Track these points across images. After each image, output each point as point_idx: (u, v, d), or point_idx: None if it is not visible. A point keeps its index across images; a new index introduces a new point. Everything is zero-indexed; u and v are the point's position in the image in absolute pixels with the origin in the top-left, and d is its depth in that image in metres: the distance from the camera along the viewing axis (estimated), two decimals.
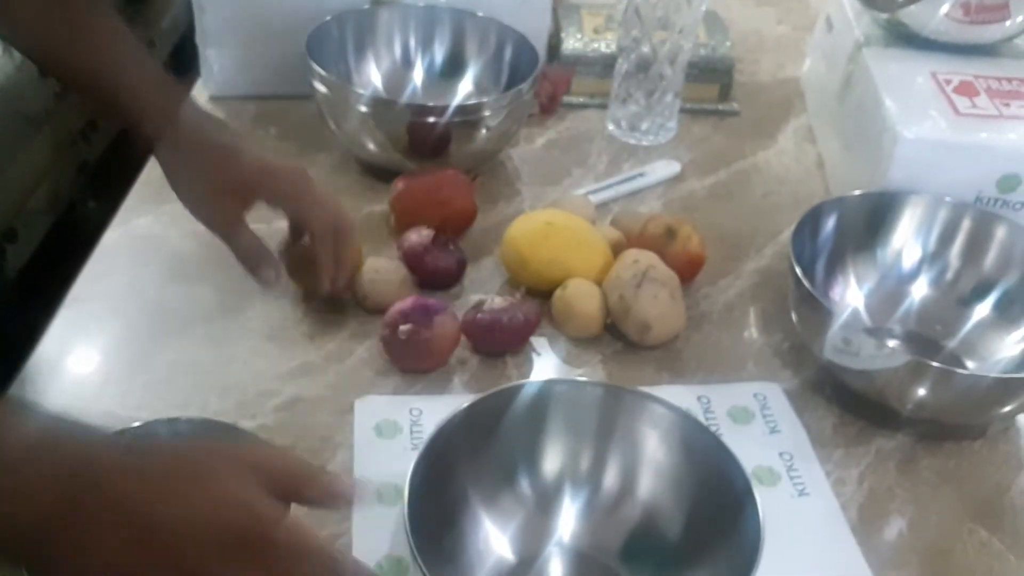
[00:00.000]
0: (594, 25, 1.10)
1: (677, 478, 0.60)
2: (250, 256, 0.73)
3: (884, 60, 0.91)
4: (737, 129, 1.06)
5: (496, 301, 0.75)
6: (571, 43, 1.07)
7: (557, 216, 0.82)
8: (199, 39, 0.99)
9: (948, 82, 0.87)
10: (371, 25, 0.99)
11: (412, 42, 1.00)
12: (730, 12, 1.19)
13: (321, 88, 0.89)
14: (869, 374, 0.69)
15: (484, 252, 0.85)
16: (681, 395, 0.73)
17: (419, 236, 0.80)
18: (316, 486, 0.49)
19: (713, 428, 0.70)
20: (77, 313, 0.76)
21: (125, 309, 0.77)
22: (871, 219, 0.81)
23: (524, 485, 0.61)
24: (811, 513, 0.66)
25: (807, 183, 0.98)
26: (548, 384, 0.63)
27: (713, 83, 1.07)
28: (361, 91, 0.91)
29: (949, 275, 0.80)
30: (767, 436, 0.71)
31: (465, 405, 0.58)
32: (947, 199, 0.80)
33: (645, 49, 0.96)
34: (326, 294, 0.75)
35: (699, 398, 0.74)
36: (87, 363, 0.73)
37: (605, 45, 1.07)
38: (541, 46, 1.00)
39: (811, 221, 0.78)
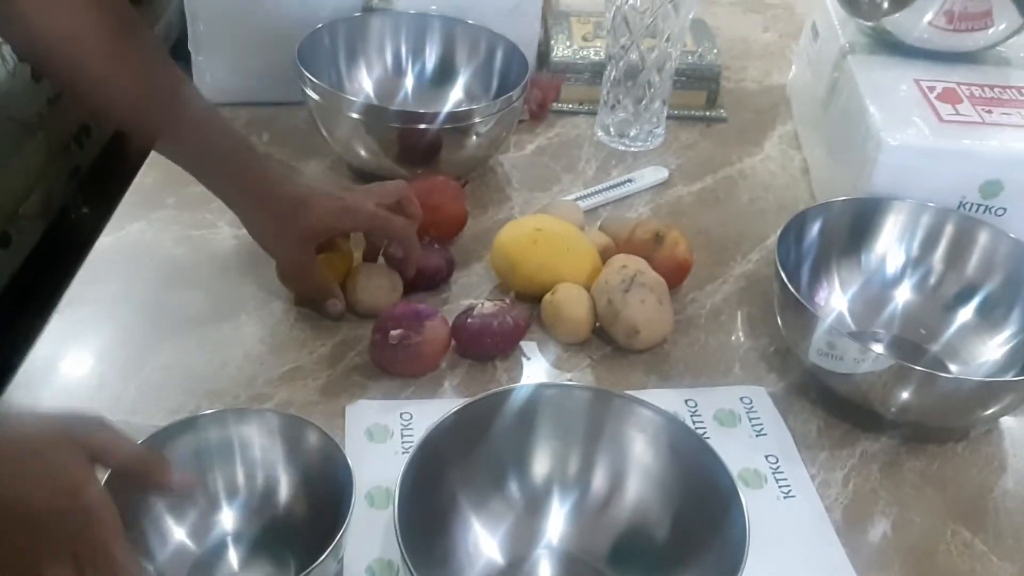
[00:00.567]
0: (583, 33, 1.11)
1: (664, 481, 0.61)
2: (323, 290, 0.77)
3: (868, 67, 0.92)
4: (724, 136, 1.07)
5: (486, 306, 0.76)
6: (560, 51, 1.08)
7: (546, 222, 0.83)
8: (192, 46, 0.99)
9: (932, 89, 0.88)
10: (363, 32, 1.00)
11: (403, 49, 1.01)
12: (717, 20, 1.20)
13: (313, 95, 0.89)
14: (853, 378, 0.70)
15: (474, 257, 0.86)
16: (668, 398, 0.74)
17: None
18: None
19: (700, 431, 0.71)
20: (70, 318, 0.77)
21: (118, 314, 0.78)
22: (855, 224, 0.82)
23: (513, 488, 0.62)
24: (796, 515, 0.67)
25: (793, 189, 0.99)
26: (537, 388, 0.63)
27: (700, 90, 1.09)
28: (352, 98, 0.92)
29: (932, 280, 0.81)
30: (753, 439, 0.72)
31: (455, 409, 0.59)
32: (930, 205, 0.81)
33: (633, 56, 0.97)
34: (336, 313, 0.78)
35: (686, 401, 0.75)
36: (81, 367, 0.74)
37: (594, 52, 1.08)
38: (531, 54, 1.01)
39: (796, 226, 0.79)
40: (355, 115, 0.89)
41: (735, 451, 0.65)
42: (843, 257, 0.82)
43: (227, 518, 0.60)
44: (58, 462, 0.48)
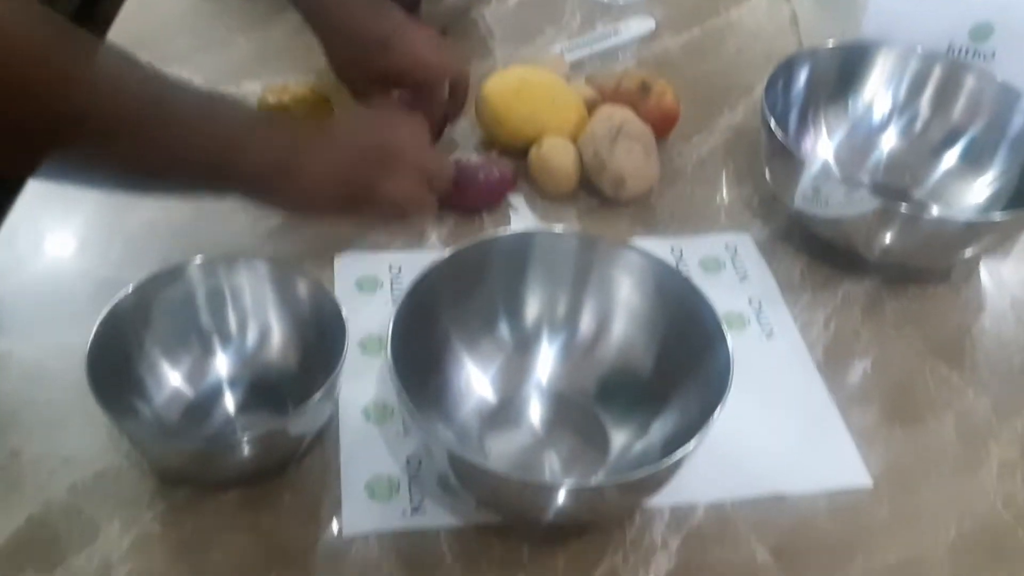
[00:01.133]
0: None
1: (651, 321, 0.62)
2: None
3: None
4: None
5: (472, 158, 0.76)
6: None
7: (531, 73, 0.81)
8: None
9: None
10: None
11: None
12: None
13: None
14: (838, 221, 0.71)
15: None
16: (654, 247, 0.72)
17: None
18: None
19: None
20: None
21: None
22: (843, 71, 0.81)
23: (504, 331, 0.63)
24: (779, 354, 0.68)
25: (780, 39, 0.98)
26: (527, 234, 0.64)
27: None
28: None
29: (919, 125, 0.81)
30: (737, 284, 0.73)
31: (447, 255, 0.59)
32: (918, 49, 0.80)
33: None
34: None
35: (672, 249, 0.75)
36: (64, 227, 0.73)
37: None
38: None
39: (784, 73, 0.78)
40: None
41: (719, 296, 0.64)
42: (830, 104, 0.82)
43: (221, 364, 0.61)
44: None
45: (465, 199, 0.76)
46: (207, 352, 0.61)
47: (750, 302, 0.72)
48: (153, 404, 0.58)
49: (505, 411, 0.62)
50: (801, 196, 0.71)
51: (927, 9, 0.81)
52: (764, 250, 0.75)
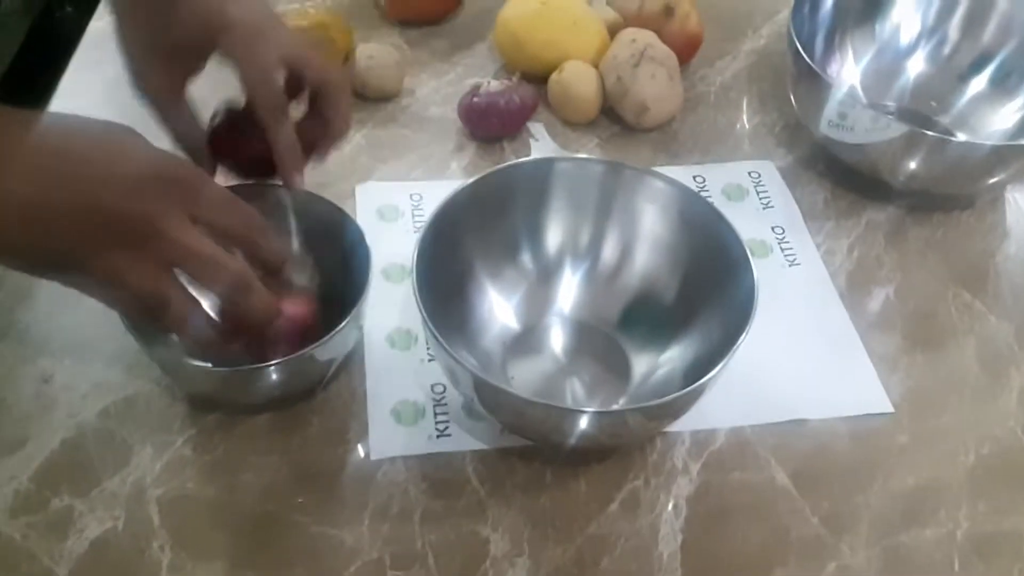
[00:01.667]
0: None
1: (674, 249, 0.62)
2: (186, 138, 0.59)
3: None
4: None
5: (492, 84, 0.75)
6: None
7: None
8: None
9: None
10: None
11: None
12: None
13: None
14: (863, 147, 0.70)
15: (477, 38, 0.84)
16: (677, 175, 0.71)
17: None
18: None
19: None
20: (67, 107, 0.75)
21: (117, 98, 0.76)
22: None
23: (526, 259, 0.63)
24: (801, 281, 0.68)
25: None
26: (550, 161, 0.63)
27: None
28: None
29: (947, 49, 0.80)
30: (760, 211, 0.73)
31: (470, 181, 0.59)
32: None
33: None
34: None
35: (694, 177, 0.75)
36: None
37: None
38: None
39: None
40: None
41: (741, 223, 0.64)
42: (857, 28, 0.80)
43: None
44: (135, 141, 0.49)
45: (486, 126, 0.75)
46: None
47: (773, 229, 0.71)
48: None
49: (528, 339, 0.62)
50: (827, 122, 0.70)
51: None
52: (787, 177, 0.75)
